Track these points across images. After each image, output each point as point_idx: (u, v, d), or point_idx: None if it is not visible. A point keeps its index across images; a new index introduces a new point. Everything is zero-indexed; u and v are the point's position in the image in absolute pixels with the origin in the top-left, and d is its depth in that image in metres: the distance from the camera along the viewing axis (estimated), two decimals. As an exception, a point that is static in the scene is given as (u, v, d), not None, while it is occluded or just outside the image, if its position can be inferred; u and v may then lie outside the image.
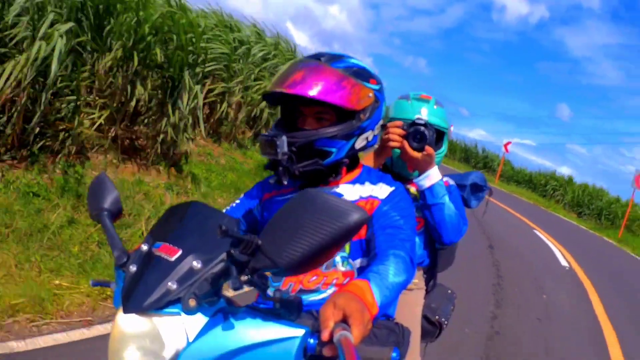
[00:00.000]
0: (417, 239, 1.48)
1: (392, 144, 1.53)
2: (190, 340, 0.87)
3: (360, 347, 0.85)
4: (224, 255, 0.89)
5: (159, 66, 4.80)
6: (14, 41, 3.62)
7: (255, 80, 7.11)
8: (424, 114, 1.60)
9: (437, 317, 1.73)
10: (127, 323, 0.86)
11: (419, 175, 1.54)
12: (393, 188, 1.24)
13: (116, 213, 1.05)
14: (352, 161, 1.28)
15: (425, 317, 1.72)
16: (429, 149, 1.49)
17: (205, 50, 5.51)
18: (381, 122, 1.29)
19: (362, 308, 0.85)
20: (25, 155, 3.89)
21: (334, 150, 1.17)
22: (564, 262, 8.03)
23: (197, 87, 5.16)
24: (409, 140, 1.50)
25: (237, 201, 1.36)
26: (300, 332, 0.90)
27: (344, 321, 0.83)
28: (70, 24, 3.92)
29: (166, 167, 5.13)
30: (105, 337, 1.46)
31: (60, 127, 4.01)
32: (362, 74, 1.21)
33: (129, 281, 0.89)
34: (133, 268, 0.90)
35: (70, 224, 3.66)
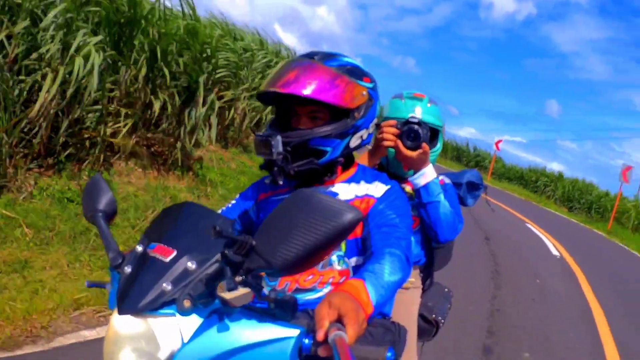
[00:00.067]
0: (412, 238, 1.37)
1: (386, 143, 1.43)
2: (185, 341, 0.81)
3: (355, 346, 0.79)
4: (218, 256, 0.82)
5: (174, 77, 4.75)
6: (48, 55, 3.56)
7: (259, 86, 7.06)
8: (418, 112, 1.51)
9: (433, 315, 1.62)
10: (122, 324, 0.80)
11: (414, 173, 1.45)
12: (388, 186, 1.15)
13: (111, 214, 0.98)
14: (347, 160, 1.20)
15: (421, 316, 1.62)
16: (424, 145, 1.39)
17: (216, 59, 5.45)
18: (375, 120, 1.20)
19: (356, 307, 0.79)
20: (51, 163, 3.85)
21: (328, 149, 1.08)
22: (555, 252, 8.02)
23: (213, 96, 5.11)
24: (403, 140, 1.41)
25: (233, 201, 1.28)
26: (295, 332, 0.83)
27: (339, 321, 0.77)
28: (100, 37, 3.87)
29: (183, 172, 5.08)
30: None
31: (85, 136, 3.97)
32: (356, 72, 1.13)
33: (124, 282, 0.82)
34: (128, 269, 0.84)
35: (110, 227, 3.63)
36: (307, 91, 1.03)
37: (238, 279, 0.79)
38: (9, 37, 3.37)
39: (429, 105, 1.53)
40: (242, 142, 7.22)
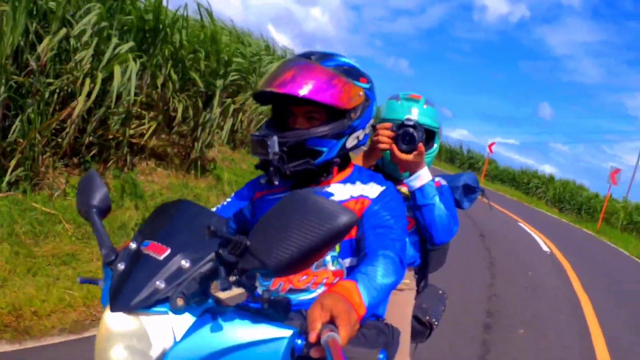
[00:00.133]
0: (407, 239, 1.25)
1: (381, 146, 1.33)
2: (178, 340, 0.74)
3: (347, 348, 0.73)
4: (212, 255, 0.75)
5: (194, 82, 4.70)
6: (85, 61, 3.51)
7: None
8: (414, 114, 1.40)
9: (427, 317, 1.51)
10: (115, 322, 0.74)
11: (410, 176, 1.35)
12: (384, 187, 1.07)
13: (105, 210, 0.91)
14: (344, 160, 1.11)
15: (415, 318, 1.52)
16: (420, 146, 1.29)
17: (232, 65, 5.39)
18: (372, 121, 1.11)
19: (349, 309, 0.72)
20: (76, 162, 3.81)
21: (325, 149, 1.01)
22: (545, 248, 7.98)
23: (229, 101, 5.06)
24: (398, 143, 1.31)
25: (228, 199, 1.20)
26: (287, 332, 0.76)
27: (332, 322, 0.70)
28: (130, 44, 3.82)
29: (198, 171, 5.02)
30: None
31: (110, 137, 3.93)
32: (353, 73, 1.05)
33: (117, 279, 0.76)
34: (121, 266, 0.77)
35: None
36: (304, 91, 0.95)
37: (232, 278, 0.73)
38: (39, 37, 3.33)
39: (425, 106, 1.43)
40: (250, 144, 7.14)
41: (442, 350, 2.83)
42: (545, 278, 5.77)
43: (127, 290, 0.73)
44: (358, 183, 1.08)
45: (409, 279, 1.48)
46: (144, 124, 4.26)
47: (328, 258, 1.03)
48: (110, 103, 3.61)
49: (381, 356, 0.72)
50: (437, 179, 1.44)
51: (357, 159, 1.38)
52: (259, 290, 0.78)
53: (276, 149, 0.95)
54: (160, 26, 4.21)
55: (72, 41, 3.46)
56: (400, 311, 1.40)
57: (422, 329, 1.50)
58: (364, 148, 1.35)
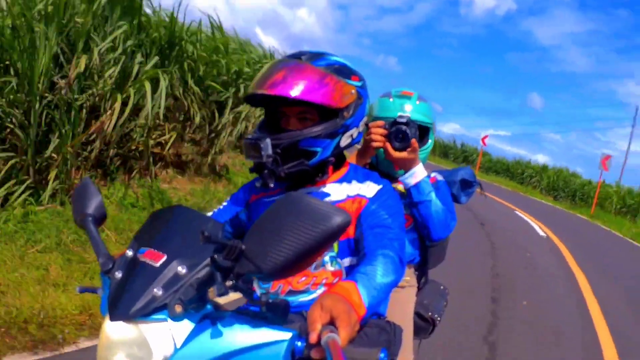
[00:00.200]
0: (406, 237, 1.15)
1: (374, 144, 1.23)
2: (178, 347, 0.68)
3: (348, 348, 0.67)
4: (208, 261, 0.69)
5: (207, 92, 4.65)
6: (114, 77, 3.47)
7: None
8: (407, 110, 1.30)
9: (429, 313, 1.41)
10: (114, 330, 0.68)
11: (405, 173, 1.25)
12: (380, 186, 0.99)
13: (100, 218, 0.85)
14: (339, 160, 1.03)
15: (418, 314, 1.41)
16: (414, 142, 1.20)
17: (241, 74, 5.32)
18: (365, 119, 1.03)
19: (348, 309, 0.67)
20: (101, 173, 3.79)
21: (319, 149, 0.93)
22: (542, 233, 7.94)
23: (241, 107, 4.99)
24: (391, 140, 1.21)
25: (224, 204, 1.12)
26: (287, 335, 0.70)
27: (332, 323, 0.65)
28: (155, 60, 3.78)
29: (214, 177, 4.97)
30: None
31: (132, 147, 3.90)
32: (344, 71, 0.97)
33: (115, 288, 0.70)
34: (118, 274, 0.71)
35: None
36: (295, 92, 0.88)
37: (228, 283, 0.68)
38: (64, 54, 3.30)
39: (417, 102, 1.33)
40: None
41: (457, 318, 3.03)
42: (542, 258, 5.85)
43: (125, 299, 0.68)
44: (354, 182, 1.00)
45: (409, 276, 1.39)
46: (164, 134, 4.23)
47: (327, 258, 0.95)
48: (137, 117, 3.57)
49: (382, 355, 0.65)
50: (433, 175, 1.34)
51: (351, 157, 1.28)
52: (258, 293, 0.71)
53: (270, 151, 0.88)
54: (176, 40, 4.17)
55: (97, 58, 3.44)
56: (402, 308, 1.31)
57: (424, 325, 1.40)
58: (358, 146, 1.26)
